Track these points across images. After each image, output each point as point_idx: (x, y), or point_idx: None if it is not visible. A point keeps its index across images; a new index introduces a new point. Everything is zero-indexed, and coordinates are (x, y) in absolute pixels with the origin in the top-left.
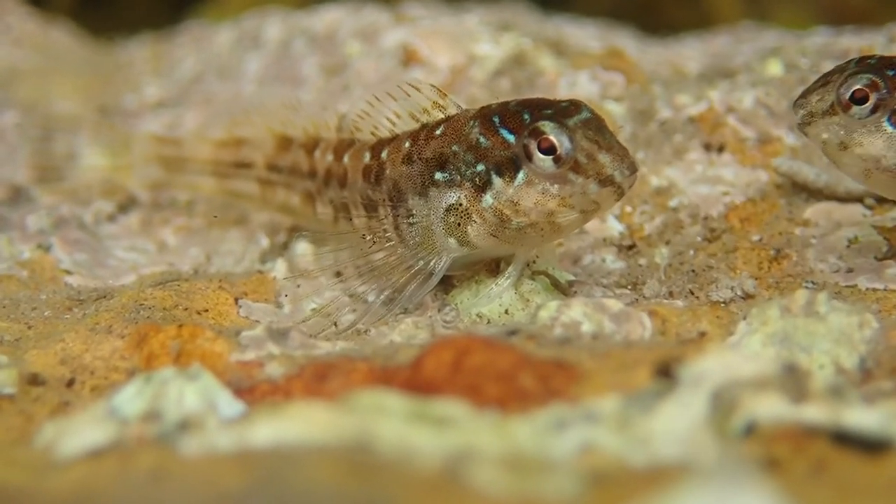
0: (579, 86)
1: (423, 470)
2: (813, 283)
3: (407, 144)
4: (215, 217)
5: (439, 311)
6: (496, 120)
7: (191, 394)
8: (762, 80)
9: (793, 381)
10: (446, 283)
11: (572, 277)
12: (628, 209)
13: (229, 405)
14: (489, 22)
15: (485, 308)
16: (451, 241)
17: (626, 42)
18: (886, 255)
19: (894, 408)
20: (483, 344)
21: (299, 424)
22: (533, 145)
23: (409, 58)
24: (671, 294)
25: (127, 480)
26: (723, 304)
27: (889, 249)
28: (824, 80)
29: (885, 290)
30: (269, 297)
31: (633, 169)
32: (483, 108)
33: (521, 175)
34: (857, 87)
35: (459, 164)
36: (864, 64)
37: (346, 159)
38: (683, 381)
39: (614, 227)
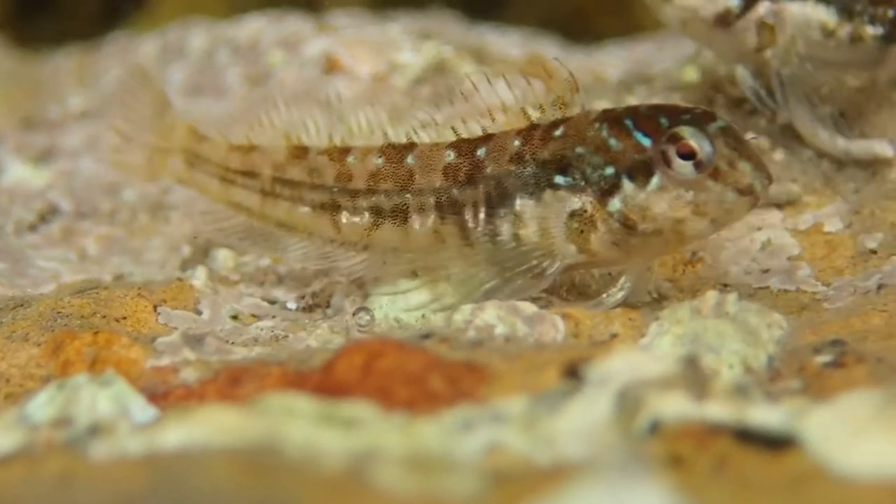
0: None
1: (326, 470)
2: (726, 285)
3: (516, 143)
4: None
5: (354, 315)
6: (629, 123)
7: (103, 400)
8: (679, 86)
9: (697, 379)
10: (364, 289)
11: None
12: None
13: (142, 410)
14: (412, 31)
15: (406, 315)
16: (571, 246)
17: (549, 50)
18: (798, 258)
19: (797, 405)
20: (395, 347)
21: (208, 427)
22: (672, 150)
23: (331, 66)
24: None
25: (33, 484)
26: (636, 307)
27: (801, 252)
28: None
29: (796, 290)
30: (188, 305)
31: (770, 179)
32: (606, 110)
33: (654, 180)
34: None
35: (584, 166)
36: None
37: (410, 160)
38: (590, 381)
39: None
